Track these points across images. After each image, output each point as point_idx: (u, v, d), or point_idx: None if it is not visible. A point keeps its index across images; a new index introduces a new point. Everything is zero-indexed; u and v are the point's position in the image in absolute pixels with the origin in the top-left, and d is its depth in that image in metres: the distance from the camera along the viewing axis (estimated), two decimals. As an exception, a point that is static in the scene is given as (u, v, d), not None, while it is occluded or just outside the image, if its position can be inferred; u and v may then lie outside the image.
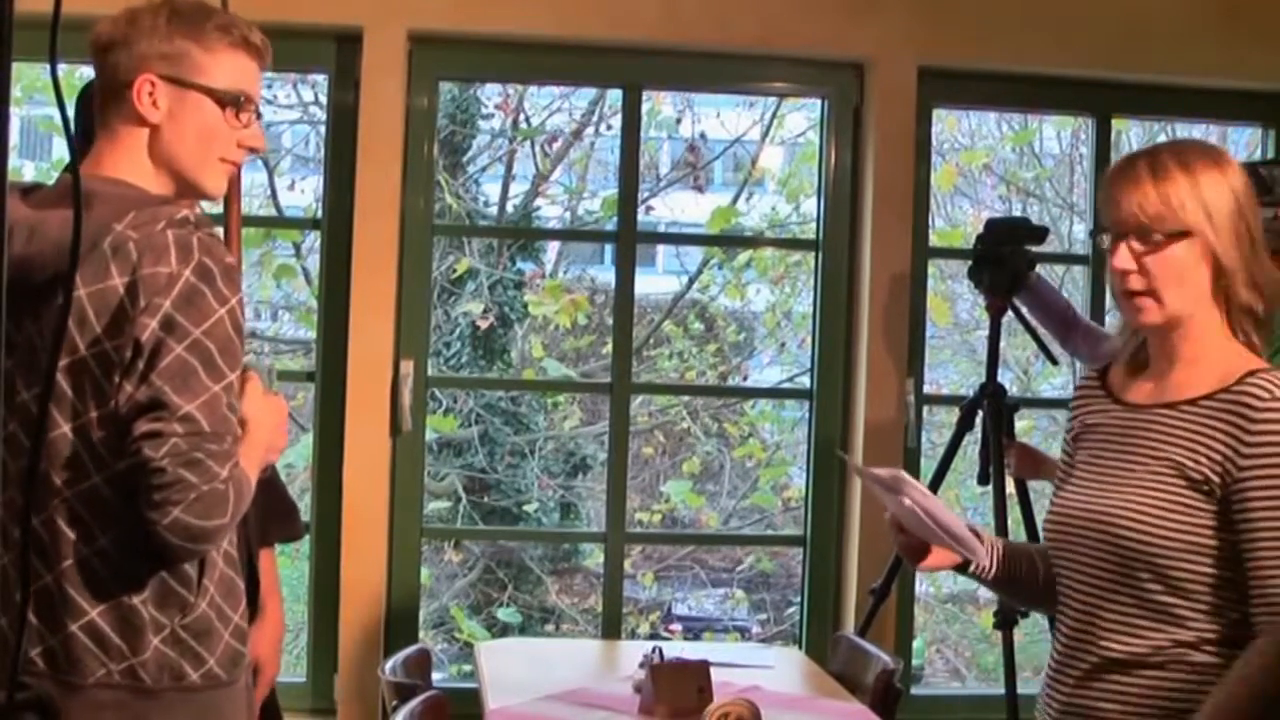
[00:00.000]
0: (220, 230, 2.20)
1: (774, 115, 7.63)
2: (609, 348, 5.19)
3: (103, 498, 2.01)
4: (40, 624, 2.01)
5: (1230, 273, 2.06)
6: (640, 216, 4.69)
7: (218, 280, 2.02)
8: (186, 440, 1.94)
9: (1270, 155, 4.47)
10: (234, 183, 2.60)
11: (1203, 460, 2.02)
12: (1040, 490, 4.10)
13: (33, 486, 1.96)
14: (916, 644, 5.57)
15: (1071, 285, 7.61)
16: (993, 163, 8.10)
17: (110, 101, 2.12)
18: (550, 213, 8.04)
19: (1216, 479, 2.00)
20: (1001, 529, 3.79)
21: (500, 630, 7.20)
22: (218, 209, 2.59)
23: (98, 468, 2.00)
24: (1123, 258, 2.08)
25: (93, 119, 2.17)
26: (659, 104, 7.36)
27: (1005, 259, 3.86)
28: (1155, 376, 2.14)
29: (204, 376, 1.98)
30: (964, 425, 3.96)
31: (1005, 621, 3.76)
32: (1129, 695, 2.09)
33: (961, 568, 2.29)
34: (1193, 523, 2.02)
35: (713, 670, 3.11)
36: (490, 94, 7.74)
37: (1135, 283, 2.08)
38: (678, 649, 3.78)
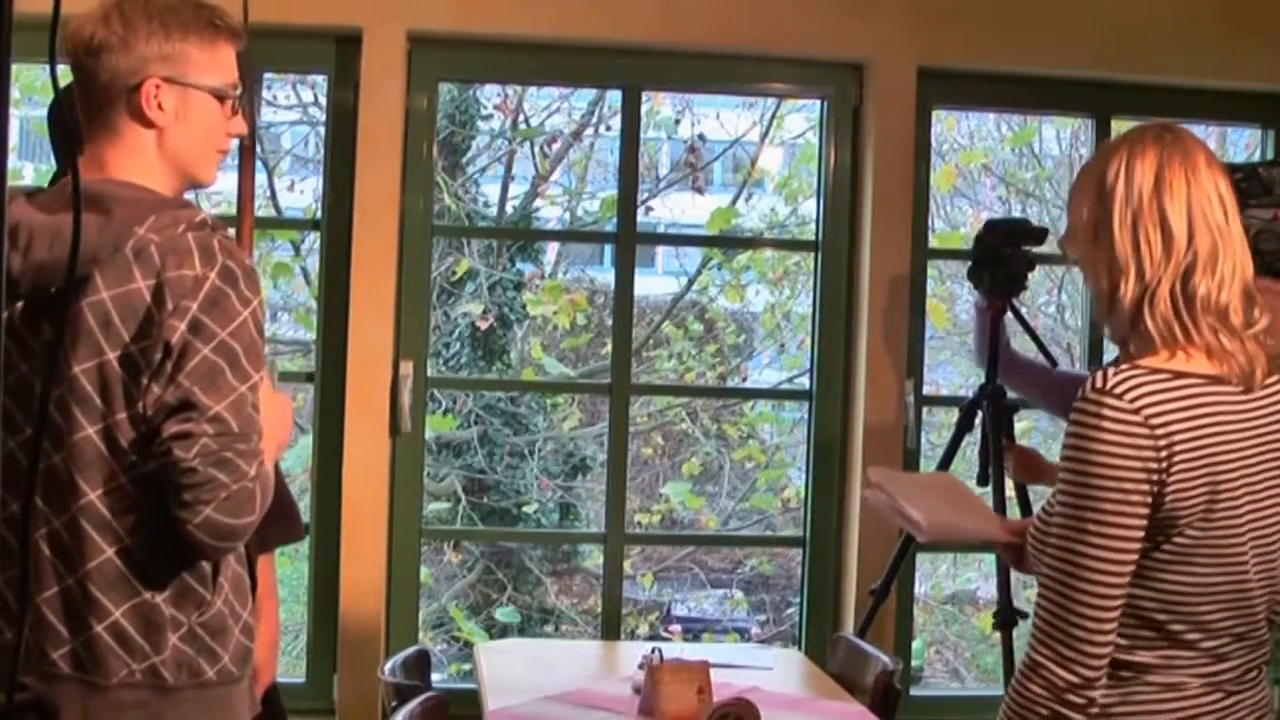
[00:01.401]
0: (231, 232, 2.20)
1: (773, 116, 7.63)
2: (608, 348, 5.19)
3: (130, 499, 2.02)
4: (63, 626, 2.02)
5: (1082, 266, 1.98)
6: (640, 217, 4.69)
7: (240, 283, 2.05)
8: (216, 440, 1.96)
9: (1270, 155, 4.48)
10: (247, 186, 2.61)
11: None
12: (1039, 492, 4.10)
13: (33, 486, 1.97)
14: (916, 645, 5.58)
15: (1071, 286, 7.62)
16: (992, 163, 8.10)
17: (109, 104, 2.10)
18: (550, 213, 8.05)
19: None
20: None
21: (499, 631, 7.19)
22: (231, 210, 2.60)
23: (125, 469, 2.02)
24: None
25: (69, 125, 2.18)
26: (658, 105, 7.36)
27: (1005, 260, 3.87)
28: None
29: (230, 377, 2.00)
30: (963, 426, 3.96)
31: (1005, 622, 3.76)
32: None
33: None
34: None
35: (712, 671, 3.11)
36: (489, 95, 7.74)
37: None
38: (677, 650, 3.78)
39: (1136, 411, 1.86)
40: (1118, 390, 1.87)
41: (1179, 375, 1.91)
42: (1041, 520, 2.00)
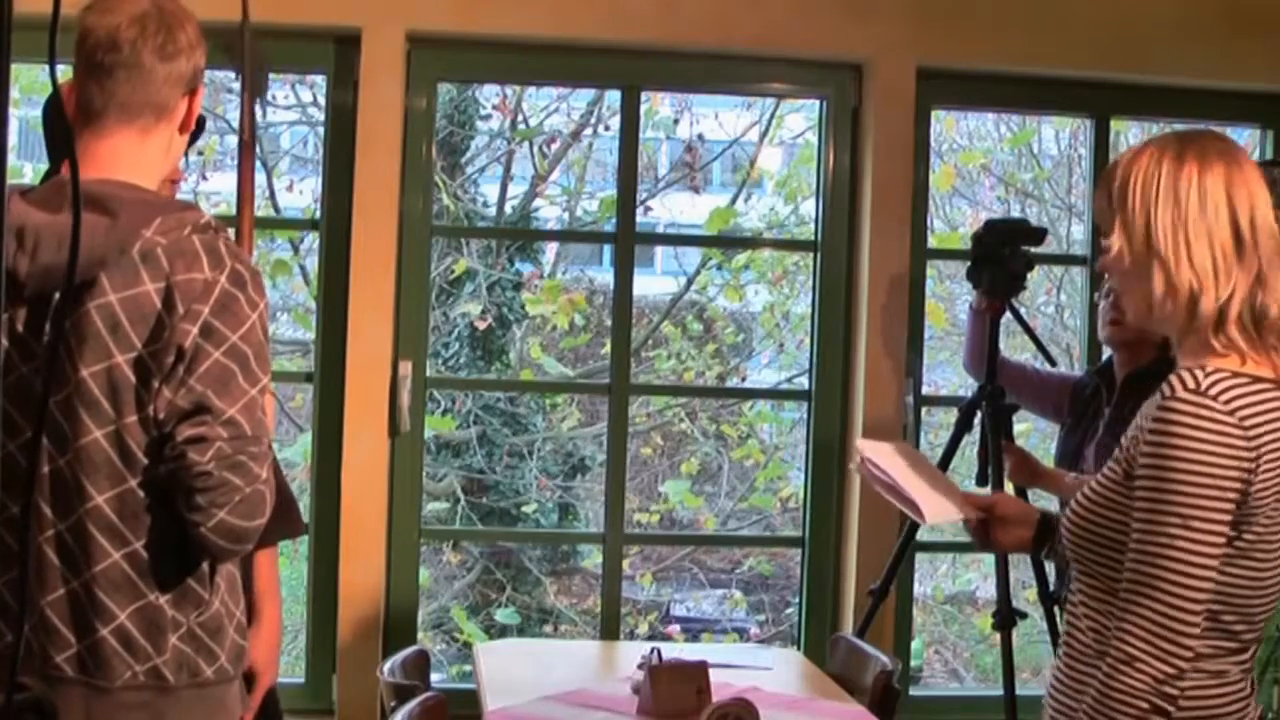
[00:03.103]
0: (230, 232, 2.21)
1: (772, 116, 7.64)
2: (607, 348, 5.19)
3: (138, 502, 2.02)
4: (68, 629, 2.02)
5: (1142, 273, 2.01)
6: (639, 217, 4.69)
7: (249, 286, 2.06)
8: (230, 444, 1.97)
9: (1270, 155, 4.48)
10: (246, 184, 2.62)
11: (1129, 452, 2.00)
12: (1036, 493, 4.10)
13: (33, 488, 1.97)
14: (915, 645, 5.57)
15: (1070, 286, 7.62)
16: (991, 164, 8.10)
17: (155, 105, 2.11)
18: (548, 213, 8.05)
19: (1130, 470, 1.99)
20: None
21: (499, 631, 7.19)
22: (230, 210, 2.61)
23: (133, 472, 2.01)
24: (1100, 262, 2.12)
25: (61, 126, 2.18)
26: (657, 105, 7.36)
27: (1004, 260, 3.87)
28: None
29: (242, 380, 2.01)
30: (962, 426, 3.96)
31: (1004, 623, 3.76)
32: (1063, 692, 2.10)
33: (1037, 548, 2.30)
34: (1117, 519, 2.00)
35: (711, 671, 3.11)
36: (488, 95, 7.74)
37: (1114, 285, 2.11)
38: (676, 650, 3.78)
39: (1231, 414, 1.91)
40: (1212, 392, 1.92)
41: (1256, 380, 1.97)
42: (1082, 513, 2.06)
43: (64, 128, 2.38)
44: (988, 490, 3.84)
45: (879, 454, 2.41)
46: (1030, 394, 4.01)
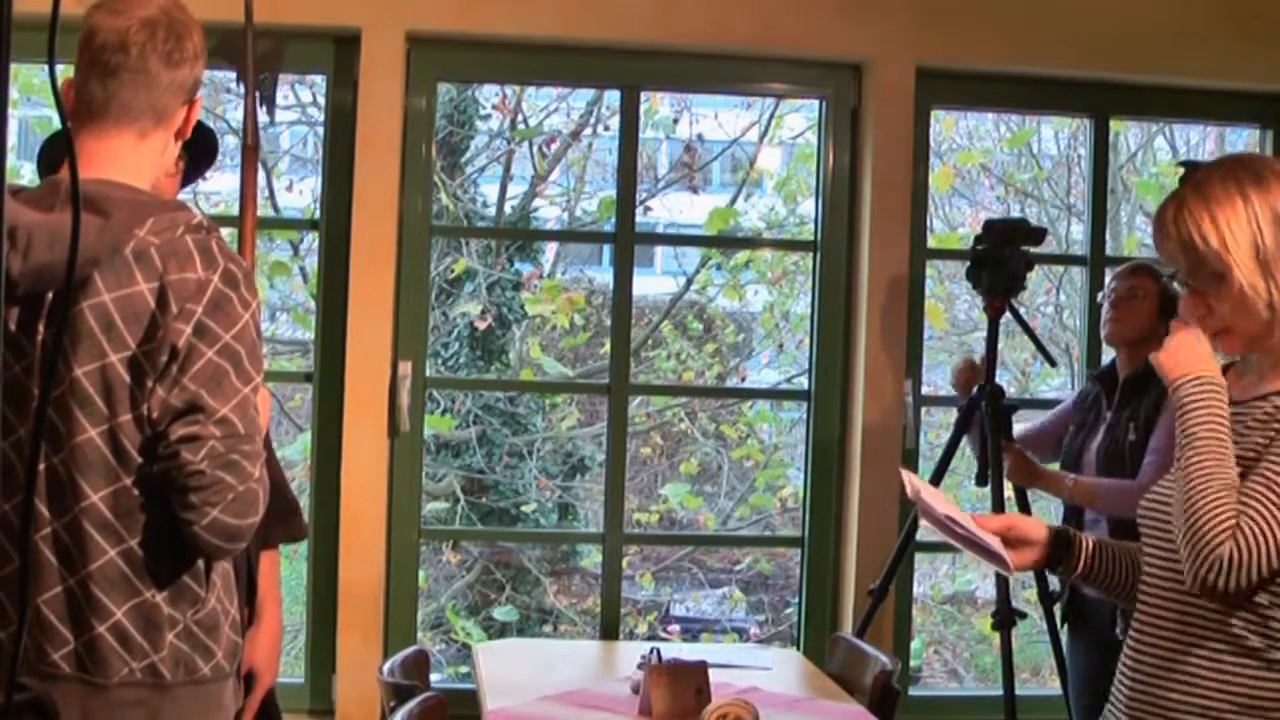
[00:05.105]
0: (226, 232, 2.21)
1: (772, 116, 7.63)
2: (607, 348, 5.19)
3: (132, 500, 2.03)
4: (64, 626, 2.02)
5: (1255, 300, 2.04)
6: (638, 217, 4.69)
7: (241, 286, 2.07)
8: (223, 443, 1.99)
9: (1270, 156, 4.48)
10: (250, 185, 2.63)
11: (1244, 457, 2.01)
12: (1035, 493, 4.10)
13: (31, 486, 1.96)
14: (914, 645, 5.58)
15: (1069, 286, 7.62)
16: (990, 164, 8.10)
17: (156, 110, 2.12)
18: (548, 213, 8.05)
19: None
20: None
21: (498, 631, 7.20)
22: (230, 210, 2.62)
23: (127, 471, 2.02)
24: (1185, 308, 2.11)
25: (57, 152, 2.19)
26: (656, 105, 7.36)
27: (1004, 260, 3.87)
28: (1240, 373, 2.17)
29: (234, 379, 2.02)
30: (962, 426, 3.96)
31: (1003, 623, 3.76)
32: (1196, 685, 2.06)
33: (1051, 566, 2.28)
34: None
35: (711, 671, 3.12)
36: (488, 95, 7.74)
37: (1208, 326, 2.10)
38: (676, 650, 3.78)
39: None
40: None
41: None
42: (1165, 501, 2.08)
43: (62, 124, 2.39)
44: (986, 490, 3.85)
45: (943, 503, 2.33)
46: (1046, 449, 4.00)
